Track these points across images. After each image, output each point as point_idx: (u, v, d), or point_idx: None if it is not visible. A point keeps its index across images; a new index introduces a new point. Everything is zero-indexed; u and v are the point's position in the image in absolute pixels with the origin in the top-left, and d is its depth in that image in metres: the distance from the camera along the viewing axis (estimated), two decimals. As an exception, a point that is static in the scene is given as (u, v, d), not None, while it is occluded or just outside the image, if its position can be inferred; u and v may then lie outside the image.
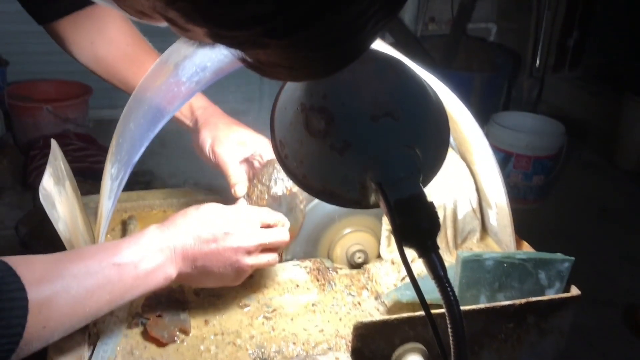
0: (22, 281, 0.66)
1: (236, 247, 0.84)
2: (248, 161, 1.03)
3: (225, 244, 0.83)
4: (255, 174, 1.00)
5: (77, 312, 0.71)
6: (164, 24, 0.45)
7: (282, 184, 0.96)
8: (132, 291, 0.77)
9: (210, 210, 0.86)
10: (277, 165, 0.96)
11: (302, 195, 0.97)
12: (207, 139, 1.02)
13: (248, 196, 0.98)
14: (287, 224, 0.93)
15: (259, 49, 0.41)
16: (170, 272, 0.81)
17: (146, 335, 0.84)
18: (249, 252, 0.86)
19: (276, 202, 0.96)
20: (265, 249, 0.89)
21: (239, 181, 0.99)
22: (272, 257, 0.90)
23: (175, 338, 0.85)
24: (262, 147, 1.02)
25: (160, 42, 0.89)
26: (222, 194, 1.18)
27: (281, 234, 0.90)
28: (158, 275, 0.79)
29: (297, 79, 0.56)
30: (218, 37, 0.41)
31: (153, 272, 0.78)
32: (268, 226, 0.90)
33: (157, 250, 0.79)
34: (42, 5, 1.01)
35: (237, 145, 1.02)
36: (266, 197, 0.96)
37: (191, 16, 0.40)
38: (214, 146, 1.01)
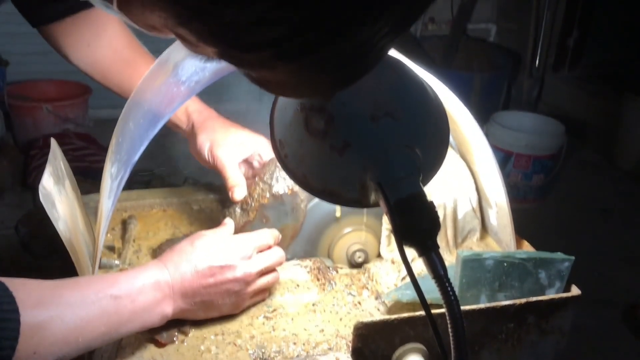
0: (16, 303, 0.65)
1: (233, 278, 0.85)
2: (247, 162, 1.03)
3: (224, 277, 0.84)
4: (255, 173, 1.00)
5: (70, 341, 0.70)
6: (172, 37, 0.45)
7: (284, 182, 0.96)
8: (128, 325, 0.77)
9: (205, 244, 0.86)
10: (280, 163, 0.96)
11: (303, 194, 0.97)
12: (205, 142, 1.02)
13: (249, 195, 0.98)
14: (279, 235, 0.94)
15: (267, 70, 0.41)
16: (166, 310, 0.81)
17: (145, 335, 0.84)
18: (247, 282, 0.87)
19: (277, 201, 0.96)
20: (265, 272, 0.90)
21: (236, 183, 0.99)
22: (272, 276, 0.92)
23: (174, 338, 0.85)
24: (261, 147, 1.02)
25: (158, 42, 0.89)
26: (222, 193, 1.18)
27: (276, 255, 0.91)
28: (155, 311, 0.79)
29: (302, 97, 0.56)
30: (228, 57, 0.41)
31: (150, 308, 0.79)
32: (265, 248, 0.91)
33: (155, 286, 0.80)
34: (36, 9, 1.01)
35: (236, 146, 1.02)
36: (267, 195, 0.96)
37: (203, 37, 0.40)
38: (213, 149, 1.01)
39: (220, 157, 1.00)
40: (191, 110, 1.05)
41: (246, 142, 1.03)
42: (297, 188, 0.96)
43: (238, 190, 0.98)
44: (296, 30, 0.37)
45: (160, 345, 0.84)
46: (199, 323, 0.88)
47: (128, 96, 0.96)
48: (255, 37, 0.38)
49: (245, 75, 0.45)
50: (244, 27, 0.37)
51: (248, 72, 0.44)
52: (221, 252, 0.86)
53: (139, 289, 0.78)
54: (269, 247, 0.92)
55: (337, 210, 1.02)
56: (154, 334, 0.84)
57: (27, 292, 0.67)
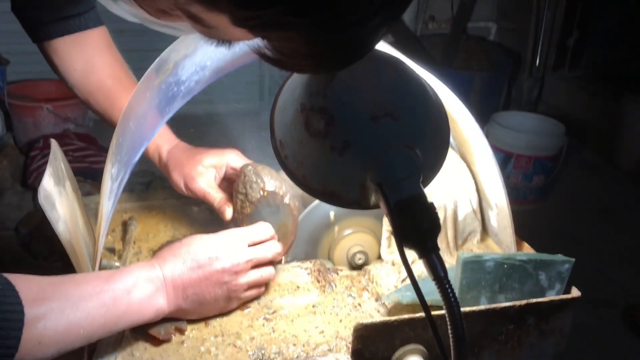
0: (20, 296, 0.67)
1: (221, 269, 0.86)
2: (226, 179, 1.04)
3: (211, 269, 0.85)
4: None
5: (72, 333, 0.72)
6: (182, 25, 0.46)
7: (257, 187, 0.95)
8: (126, 318, 0.78)
9: (195, 240, 0.87)
10: (247, 170, 0.96)
11: (282, 189, 0.96)
12: (179, 180, 1.04)
13: (235, 210, 0.98)
14: (273, 231, 0.94)
15: (282, 31, 0.42)
16: (161, 303, 0.82)
17: (143, 333, 0.84)
18: (236, 273, 0.87)
19: (259, 207, 0.96)
20: (258, 264, 0.90)
21: (222, 204, 1.00)
22: (265, 271, 0.91)
23: (172, 335, 0.85)
24: (230, 160, 1.03)
25: (156, 41, 0.89)
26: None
27: (270, 248, 0.91)
28: (150, 304, 0.81)
29: (315, 69, 0.56)
30: (242, 20, 0.41)
31: (145, 301, 0.80)
32: (258, 243, 0.91)
33: (147, 280, 0.81)
34: (35, 26, 1.03)
35: (208, 172, 1.03)
36: (247, 204, 0.96)
37: (214, 2, 0.40)
38: (188, 185, 1.03)
39: (198, 189, 1.02)
40: (162, 150, 1.07)
41: (217, 161, 1.04)
42: (271, 187, 0.95)
43: (225, 210, 1.00)
44: None
45: (157, 342, 0.84)
46: (199, 324, 0.88)
47: (110, 124, 1.00)
48: None
49: (260, 55, 0.45)
50: None
51: (262, 48, 0.44)
52: (209, 245, 0.87)
53: (134, 282, 0.80)
54: (265, 242, 0.92)
55: (332, 215, 1.02)
56: (151, 331, 0.84)
57: (27, 286, 0.70)
